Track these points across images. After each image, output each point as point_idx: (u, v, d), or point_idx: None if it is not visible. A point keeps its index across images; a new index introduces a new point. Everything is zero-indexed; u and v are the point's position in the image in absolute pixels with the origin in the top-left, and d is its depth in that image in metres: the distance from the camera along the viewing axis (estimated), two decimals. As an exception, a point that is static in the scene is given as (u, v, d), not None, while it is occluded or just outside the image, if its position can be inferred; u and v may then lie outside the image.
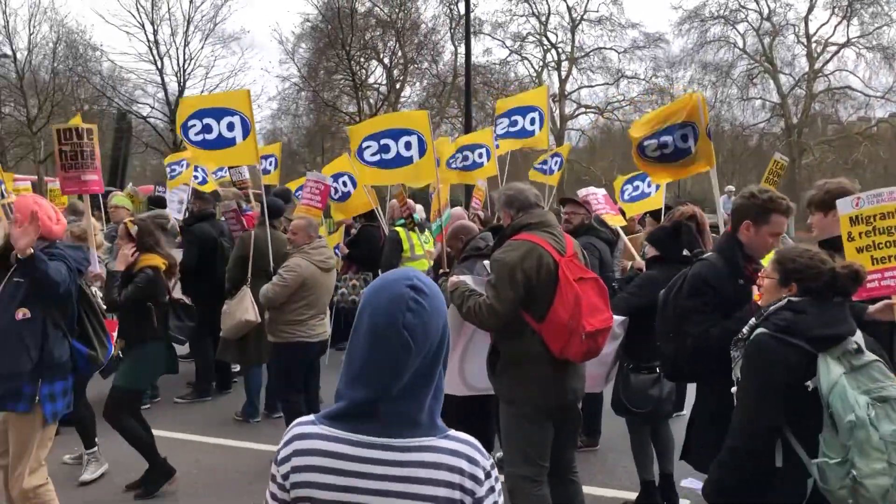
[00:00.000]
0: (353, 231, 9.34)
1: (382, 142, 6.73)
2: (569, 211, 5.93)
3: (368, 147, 6.84)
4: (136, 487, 5.14)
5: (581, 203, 6.01)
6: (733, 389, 2.89)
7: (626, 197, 8.28)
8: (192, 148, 7.06)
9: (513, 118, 8.61)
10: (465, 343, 4.22)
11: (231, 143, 6.96)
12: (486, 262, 4.08)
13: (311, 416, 1.64)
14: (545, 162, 9.43)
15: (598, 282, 3.76)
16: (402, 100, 35.75)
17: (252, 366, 6.83)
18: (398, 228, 7.85)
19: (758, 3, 34.01)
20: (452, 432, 1.61)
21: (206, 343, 7.34)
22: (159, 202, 10.25)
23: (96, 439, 5.51)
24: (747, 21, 34.64)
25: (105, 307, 4.69)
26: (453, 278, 4.13)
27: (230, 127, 6.92)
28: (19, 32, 31.35)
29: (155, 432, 5.28)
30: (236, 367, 7.96)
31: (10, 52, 30.90)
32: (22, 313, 3.94)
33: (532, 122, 8.63)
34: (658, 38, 35.44)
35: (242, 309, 6.24)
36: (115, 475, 5.40)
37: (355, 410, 1.56)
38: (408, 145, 6.72)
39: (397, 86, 35.54)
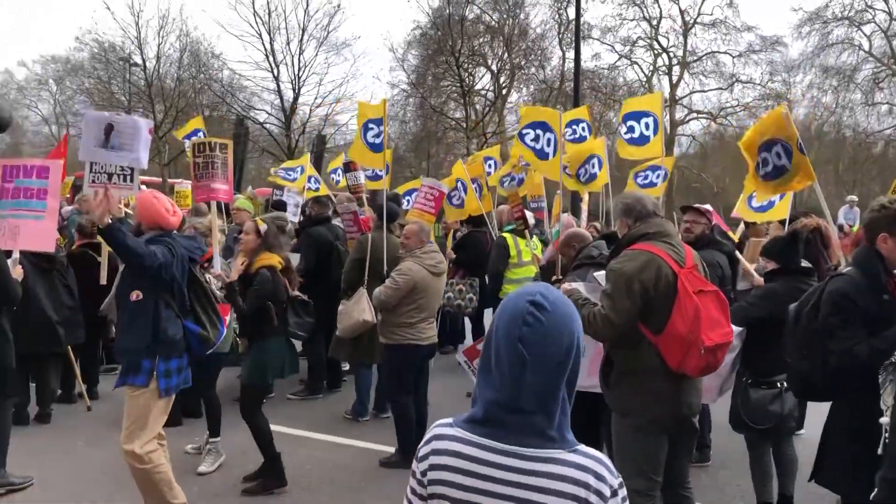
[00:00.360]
0: (459, 235, 9.45)
1: (537, 131, 6.95)
2: (690, 220, 5.72)
3: (528, 133, 7.07)
4: (252, 480, 5.35)
5: (703, 212, 5.83)
6: (885, 420, 2.73)
7: (753, 205, 8.01)
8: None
9: (629, 123, 8.46)
10: None
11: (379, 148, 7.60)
12: (599, 272, 4.05)
13: (450, 419, 1.71)
14: (645, 176, 9.27)
15: (719, 295, 3.66)
16: (508, 105, 35.81)
17: (363, 366, 6.99)
18: (506, 234, 7.87)
19: (887, 3, 32.12)
20: (582, 447, 1.63)
21: (320, 342, 7.57)
22: (280, 206, 10.65)
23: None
24: (874, 22, 32.79)
25: (218, 294, 4.94)
26: (565, 286, 4.11)
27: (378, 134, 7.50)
28: (149, 42, 33.25)
29: (270, 427, 5.43)
30: (346, 367, 8.19)
31: (140, 62, 32.91)
32: (135, 295, 4.33)
33: (647, 127, 8.48)
34: (776, 41, 34.08)
35: (360, 309, 6.39)
36: (234, 467, 5.63)
37: (488, 417, 1.62)
38: (549, 142, 6.88)
39: (504, 91, 35.61)
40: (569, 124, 8.70)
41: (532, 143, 7.25)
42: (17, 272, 5.21)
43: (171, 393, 4.47)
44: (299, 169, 11.12)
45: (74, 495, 5.16)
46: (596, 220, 9.24)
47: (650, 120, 8.48)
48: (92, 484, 5.33)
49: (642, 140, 8.30)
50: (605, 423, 4.74)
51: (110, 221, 4.13)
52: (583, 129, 8.77)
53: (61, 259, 6.48)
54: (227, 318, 4.76)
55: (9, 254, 5.19)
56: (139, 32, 32.74)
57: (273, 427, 5.46)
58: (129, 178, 5.03)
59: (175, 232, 4.64)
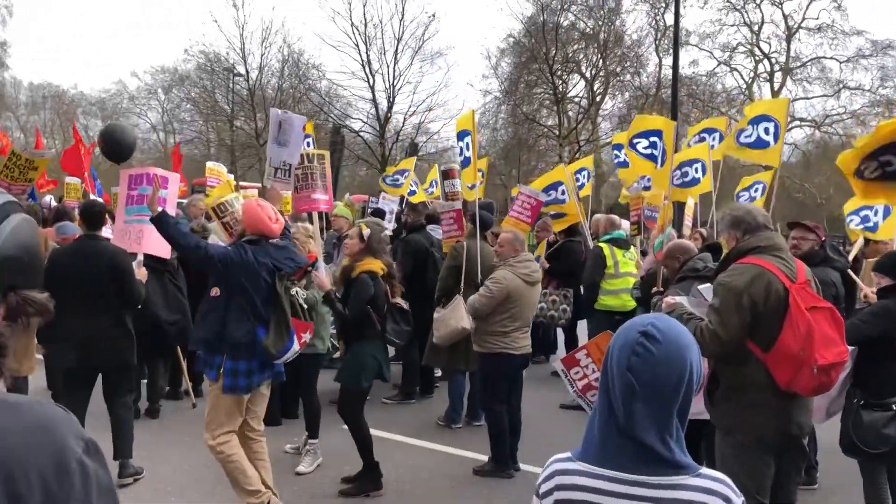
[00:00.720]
0: (551, 240, 9.37)
1: (651, 139, 6.86)
2: (797, 236, 5.47)
3: (640, 142, 7.00)
4: (350, 482, 5.45)
5: (811, 228, 5.59)
6: None
7: (856, 225, 7.62)
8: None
9: (749, 126, 8.13)
10: None
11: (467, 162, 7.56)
12: (703, 286, 3.95)
13: (568, 453, 1.73)
14: (746, 190, 9.00)
15: (833, 312, 3.51)
16: (602, 112, 35.38)
17: (457, 372, 7.03)
18: (602, 244, 7.76)
19: None
20: (704, 470, 1.63)
21: (413, 347, 7.66)
22: (379, 213, 10.85)
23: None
24: None
25: (305, 307, 5.00)
26: (668, 299, 4.03)
27: (468, 147, 7.51)
28: (252, 53, 34.51)
29: (362, 430, 5.57)
30: (438, 373, 8.26)
31: (243, 72, 34.18)
32: (214, 291, 4.59)
33: (766, 132, 8.14)
34: (888, 45, 32.34)
35: (458, 317, 6.40)
36: (331, 468, 5.76)
37: (606, 447, 1.64)
38: (654, 144, 6.80)
39: (598, 98, 35.20)
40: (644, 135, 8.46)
41: (645, 152, 7.12)
42: (141, 274, 5.55)
43: (237, 392, 4.60)
44: (406, 172, 11.32)
45: (180, 487, 5.40)
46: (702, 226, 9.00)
47: (771, 125, 8.14)
48: (196, 477, 5.56)
49: (759, 144, 7.96)
50: (706, 442, 4.62)
51: (161, 211, 4.57)
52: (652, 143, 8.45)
53: (172, 261, 6.79)
54: (305, 336, 4.76)
55: (133, 256, 5.52)
56: (243, 44, 34.07)
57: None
58: (287, 173, 5.31)
59: (274, 240, 4.76)
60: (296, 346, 4.64)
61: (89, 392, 5.36)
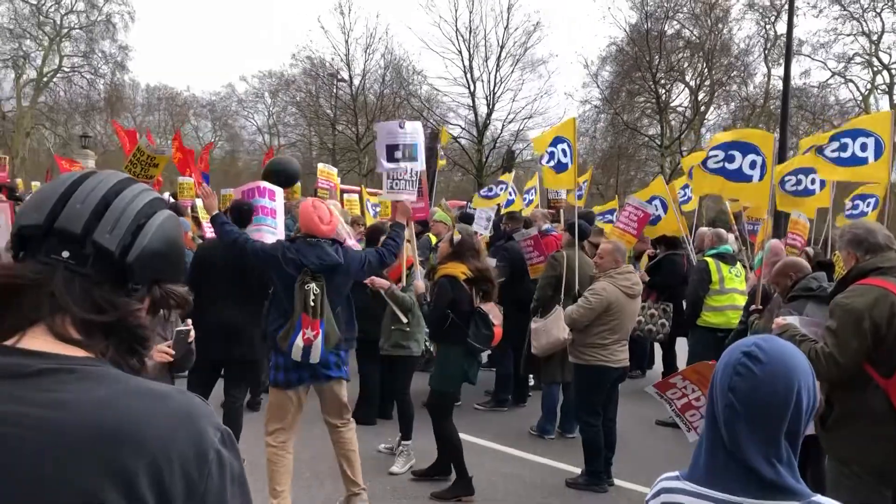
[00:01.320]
0: (649, 254, 9.19)
1: (729, 152, 6.64)
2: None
3: (714, 156, 6.79)
4: (422, 475, 5.53)
5: None
6: None
7: None
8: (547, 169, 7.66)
9: (843, 141, 7.69)
10: None
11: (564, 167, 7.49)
12: (812, 306, 3.81)
13: (676, 472, 1.71)
14: (855, 205, 8.54)
15: (964, 340, 3.30)
16: (706, 122, 34.43)
17: (552, 383, 6.98)
18: (708, 258, 7.53)
19: None
20: (818, 497, 1.58)
21: (508, 355, 7.66)
22: (467, 218, 10.91)
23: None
24: None
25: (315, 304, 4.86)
26: (779, 319, 3.88)
27: (564, 153, 7.46)
28: (356, 59, 35.32)
29: (455, 434, 5.57)
30: (531, 382, 8.21)
31: (346, 77, 35.04)
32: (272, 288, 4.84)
33: (863, 148, 7.68)
34: None
35: (559, 328, 6.36)
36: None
37: (715, 468, 1.61)
38: (752, 164, 6.55)
39: (702, 108, 34.27)
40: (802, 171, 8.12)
41: (720, 167, 6.83)
42: None
43: (278, 386, 4.70)
44: (502, 186, 11.34)
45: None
46: (809, 245, 8.62)
47: (870, 140, 7.71)
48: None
49: (854, 161, 7.54)
50: (813, 468, 4.43)
51: (215, 213, 5.06)
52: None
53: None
54: (308, 332, 4.57)
55: None
56: (348, 50, 34.94)
57: (460, 435, 5.57)
58: (414, 184, 5.49)
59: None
60: (299, 342, 4.55)
61: (214, 382, 5.57)
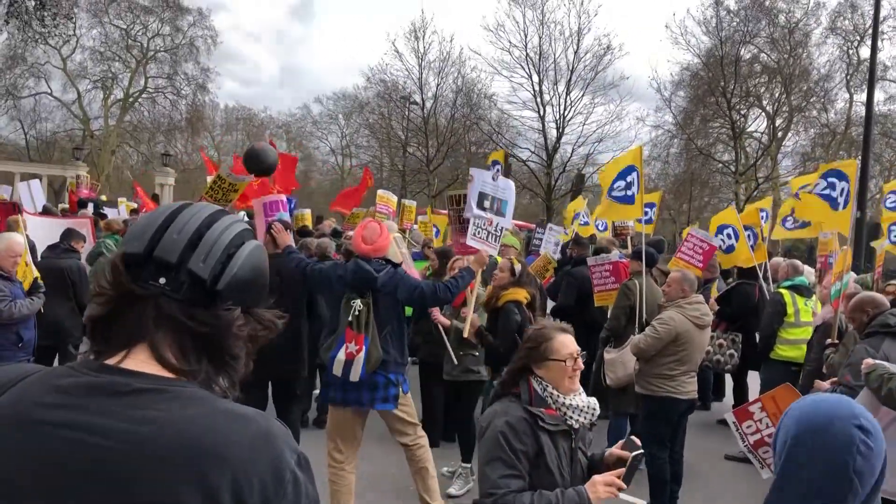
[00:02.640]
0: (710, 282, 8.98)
1: (829, 179, 6.57)
2: None
3: (820, 184, 6.72)
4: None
5: None
6: None
7: None
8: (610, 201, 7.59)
9: (829, 180, 7.14)
10: None
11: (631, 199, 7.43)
12: (890, 343, 3.67)
13: None
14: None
15: None
16: (783, 149, 33.57)
17: (619, 414, 6.85)
18: (783, 290, 7.31)
19: None
20: None
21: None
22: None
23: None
24: None
25: (360, 318, 4.93)
26: (869, 360, 3.75)
27: (629, 185, 7.40)
28: (429, 83, 35.78)
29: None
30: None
31: (419, 100, 35.50)
32: None
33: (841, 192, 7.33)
34: None
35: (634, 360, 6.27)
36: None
37: None
38: (842, 191, 6.46)
39: (779, 135, 33.43)
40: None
41: (825, 193, 6.67)
42: None
43: (335, 404, 4.79)
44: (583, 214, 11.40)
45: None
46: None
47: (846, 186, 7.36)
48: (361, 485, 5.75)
49: (832, 202, 7.19)
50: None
51: (288, 246, 5.39)
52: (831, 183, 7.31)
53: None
54: (351, 346, 4.62)
55: None
56: (421, 74, 35.42)
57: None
58: (497, 238, 5.52)
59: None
60: (341, 356, 4.59)
61: (266, 398, 5.70)
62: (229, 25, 68.91)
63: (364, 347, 4.58)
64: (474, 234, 5.47)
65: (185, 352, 1.17)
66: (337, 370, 4.61)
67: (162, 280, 1.16)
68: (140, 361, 1.14)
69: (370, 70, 38.48)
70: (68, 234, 7.40)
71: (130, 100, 40.84)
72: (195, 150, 42.81)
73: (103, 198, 17.67)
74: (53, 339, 6.70)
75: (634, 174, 7.31)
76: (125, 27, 39.76)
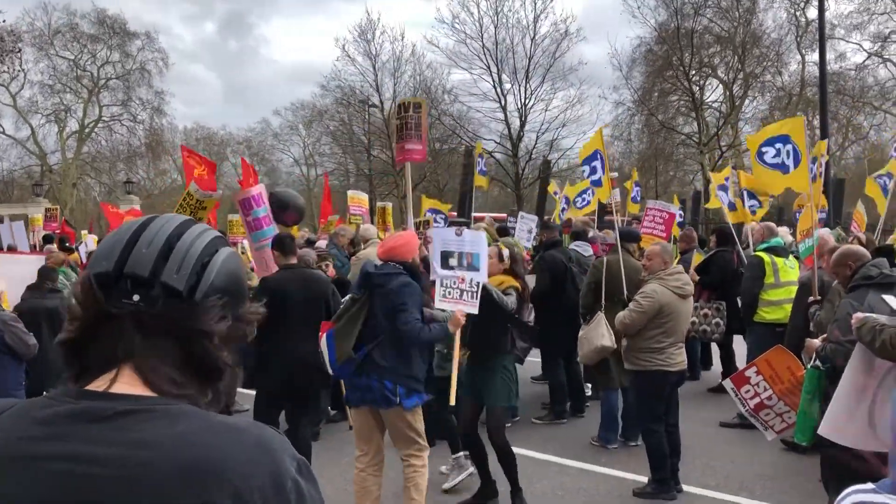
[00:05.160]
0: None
1: (776, 146, 6.57)
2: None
3: (766, 151, 6.70)
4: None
5: None
6: None
7: None
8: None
9: (776, 146, 7.00)
10: (876, 387, 3.76)
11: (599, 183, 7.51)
12: (888, 296, 3.68)
13: (871, 484, 1.59)
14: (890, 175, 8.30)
15: None
16: (743, 116, 33.95)
17: (609, 391, 6.86)
18: (761, 253, 7.35)
19: None
20: None
21: (559, 365, 7.56)
22: (503, 231, 10.86)
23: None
24: None
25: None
26: (858, 314, 3.74)
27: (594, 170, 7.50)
28: (385, 83, 35.65)
29: (516, 450, 5.46)
30: (589, 392, 8.10)
31: (378, 102, 35.36)
32: None
33: (787, 154, 7.36)
34: None
35: (598, 335, 6.32)
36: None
37: None
38: (788, 153, 6.46)
39: (737, 102, 33.78)
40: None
41: (772, 161, 6.66)
42: None
43: (350, 405, 4.95)
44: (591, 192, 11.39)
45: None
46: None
47: (790, 148, 7.40)
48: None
49: (781, 167, 7.21)
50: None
51: None
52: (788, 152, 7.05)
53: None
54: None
55: None
56: (376, 75, 35.27)
57: (521, 451, 5.50)
58: (474, 295, 5.12)
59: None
60: (329, 352, 4.76)
61: (279, 412, 5.62)
62: (165, 47, 67.98)
63: (327, 335, 4.70)
64: (444, 297, 5.17)
65: (171, 369, 1.12)
66: (335, 368, 4.81)
67: (136, 297, 1.11)
68: (124, 384, 1.09)
69: (325, 77, 38.29)
70: (47, 274, 7.18)
71: (87, 130, 40.24)
72: (158, 175, 42.25)
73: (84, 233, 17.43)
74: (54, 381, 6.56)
75: (596, 162, 7.38)
76: (73, 58, 39.18)
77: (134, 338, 1.10)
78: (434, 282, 5.30)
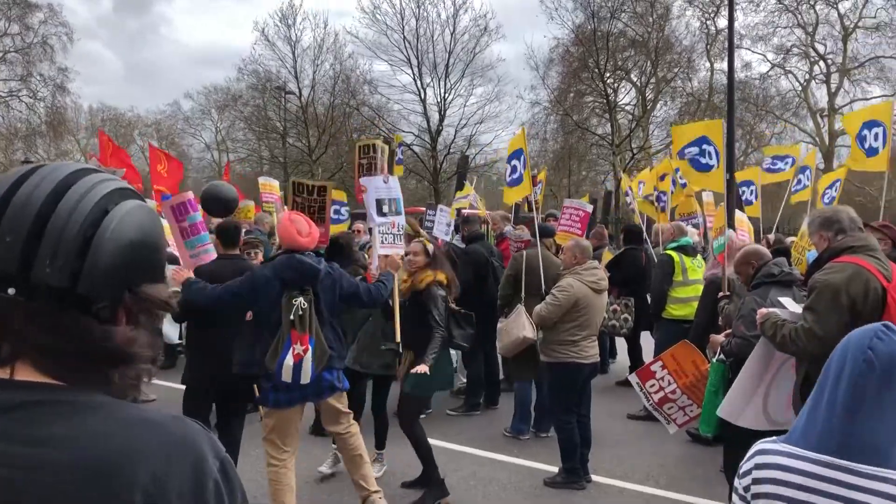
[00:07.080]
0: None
1: (703, 146, 6.84)
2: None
3: (691, 151, 6.96)
4: (413, 486, 5.48)
5: (878, 228, 5.36)
6: None
7: None
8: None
9: (863, 133, 7.91)
10: (772, 376, 3.97)
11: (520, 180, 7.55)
12: (784, 298, 3.86)
13: (774, 437, 1.74)
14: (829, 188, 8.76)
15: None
16: (653, 119, 35.01)
17: (523, 382, 6.95)
18: (670, 252, 7.60)
19: None
20: None
21: (478, 358, 7.61)
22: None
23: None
24: None
25: (304, 317, 4.67)
26: (763, 310, 3.90)
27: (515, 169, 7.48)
28: (305, 70, 35.03)
29: (431, 441, 5.47)
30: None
31: (295, 90, 34.73)
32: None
33: (876, 138, 7.95)
34: (951, 41, 31.32)
35: (519, 326, 6.39)
36: (399, 476, 5.73)
37: (810, 431, 1.62)
38: (709, 154, 6.78)
39: (649, 106, 34.82)
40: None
41: (696, 158, 6.97)
42: None
43: (281, 406, 4.58)
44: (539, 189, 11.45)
45: (252, 496, 5.39)
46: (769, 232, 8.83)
47: (880, 130, 7.93)
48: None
49: (871, 152, 7.79)
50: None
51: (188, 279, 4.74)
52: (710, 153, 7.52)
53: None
54: (298, 347, 4.39)
55: None
56: (295, 62, 34.63)
57: (434, 442, 5.50)
58: (401, 238, 5.55)
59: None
60: (289, 360, 4.37)
61: (209, 408, 5.35)
62: (85, 21, 64.77)
63: (310, 347, 4.41)
64: (383, 242, 5.45)
65: (71, 357, 0.97)
66: (287, 376, 4.39)
67: (11, 290, 0.94)
68: (27, 373, 0.96)
69: (242, 61, 37.30)
70: None
71: (-19, 106, 37.99)
72: (59, 156, 40.22)
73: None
74: None
75: (516, 161, 7.54)
76: (-34, 28, 36.90)
77: (25, 328, 0.95)
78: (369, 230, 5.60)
